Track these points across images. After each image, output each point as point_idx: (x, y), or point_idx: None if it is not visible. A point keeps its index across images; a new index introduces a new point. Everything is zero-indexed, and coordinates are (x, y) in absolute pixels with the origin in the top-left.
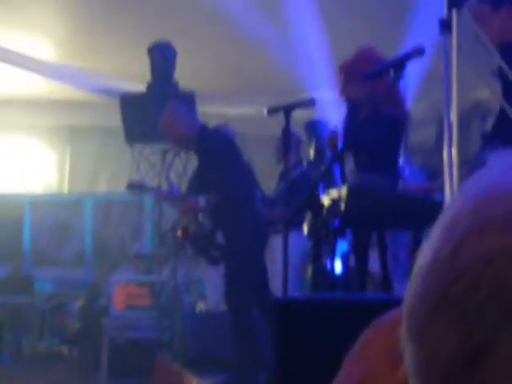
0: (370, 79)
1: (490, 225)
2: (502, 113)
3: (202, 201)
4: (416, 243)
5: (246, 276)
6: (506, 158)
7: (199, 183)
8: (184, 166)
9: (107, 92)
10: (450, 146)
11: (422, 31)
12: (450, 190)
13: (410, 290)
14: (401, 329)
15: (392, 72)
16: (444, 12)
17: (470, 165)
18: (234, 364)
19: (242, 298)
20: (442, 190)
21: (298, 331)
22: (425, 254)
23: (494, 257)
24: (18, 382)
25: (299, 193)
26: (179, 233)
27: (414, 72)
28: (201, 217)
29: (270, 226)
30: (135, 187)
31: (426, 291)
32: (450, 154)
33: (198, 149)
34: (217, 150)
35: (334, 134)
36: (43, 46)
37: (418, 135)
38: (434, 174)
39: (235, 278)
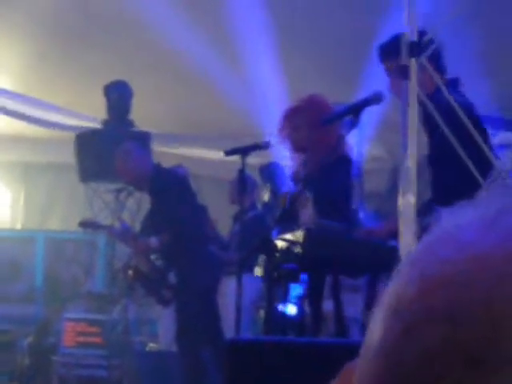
0: (327, 125)
1: (432, 314)
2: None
3: (153, 241)
4: (371, 288)
5: (197, 317)
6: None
7: (152, 223)
8: (138, 205)
9: (62, 128)
10: (406, 192)
11: (381, 77)
12: (407, 235)
13: (361, 358)
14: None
15: (349, 118)
16: (403, 59)
17: (421, 216)
18: None
19: (192, 338)
20: (391, 234)
21: (250, 372)
22: (372, 334)
23: (435, 352)
24: None
25: (253, 235)
26: (130, 273)
27: (370, 117)
28: (153, 257)
29: (223, 267)
30: (87, 225)
31: (375, 370)
32: (407, 200)
33: (151, 188)
34: (169, 189)
35: (284, 194)
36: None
37: (372, 180)
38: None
39: (186, 318)
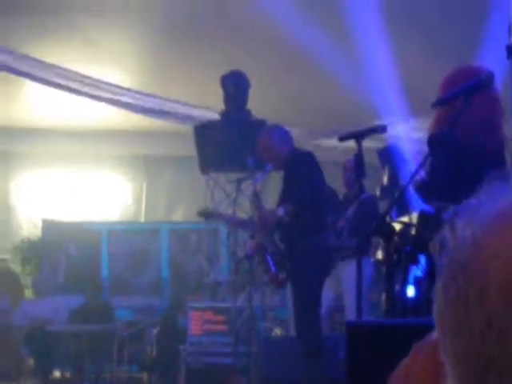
0: (437, 107)
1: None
2: None
3: (279, 211)
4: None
5: (311, 302)
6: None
7: (281, 201)
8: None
9: (182, 121)
10: None
11: (492, 59)
12: None
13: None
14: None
15: (462, 99)
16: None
17: None
18: None
19: (309, 322)
20: None
21: (370, 355)
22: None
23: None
24: None
25: (366, 218)
26: (252, 243)
27: None
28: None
29: (337, 252)
30: (205, 214)
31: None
32: None
33: (286, 166)
34: (302, 167)
35: None
36: (118, 77)
37: None
38: None
39: (301, 304)
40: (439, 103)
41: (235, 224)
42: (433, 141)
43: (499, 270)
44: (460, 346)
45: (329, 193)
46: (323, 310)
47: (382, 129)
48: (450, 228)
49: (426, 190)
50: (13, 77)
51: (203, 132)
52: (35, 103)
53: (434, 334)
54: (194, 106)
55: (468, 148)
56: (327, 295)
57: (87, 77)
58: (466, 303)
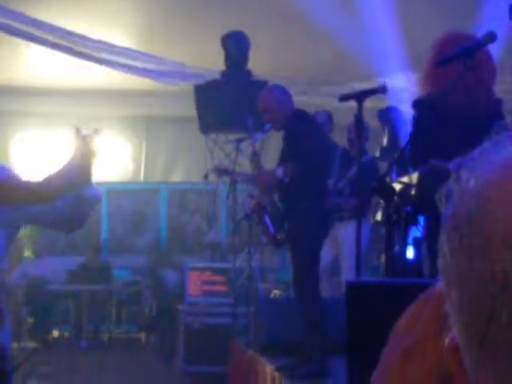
0: (441, 67)
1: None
2: None
3: (279, 171)
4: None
5: (309, 263)
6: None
7: (280, 159)
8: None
9: (182, 81)
10: None
11: (495, 18)
12: None
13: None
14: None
15: (463, 59)
16: None
17: None
18: (300, 348)
19: (308, 283)
20: None
21: (370, 314)
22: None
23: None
24: (95, 367)
25: (367, 181)
26: (252, 202)
27: None
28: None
29: (336, 213)
30: (218, 171)
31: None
32: None
33: (286, 126)
34: (302, 128)
35: None
36: (118, 37)
37: None
38: None
39: (299, 265)
40: (443, 63)
41: (248, 180)
42: (421, 104)
43: (503, 221)
44: (464, 297)
45: (341, 152)
46: (320, 271)
47: (383, 89)
48: (455, 179)
49: (417, 152)
50: (11, 36)
51: (203, 92)
52: (34, 63)
53: (440, 285)
54: (195, 67)
55: (465, 108)
56: (324, 257)
57: (86, 38)
58: (469, 254)
